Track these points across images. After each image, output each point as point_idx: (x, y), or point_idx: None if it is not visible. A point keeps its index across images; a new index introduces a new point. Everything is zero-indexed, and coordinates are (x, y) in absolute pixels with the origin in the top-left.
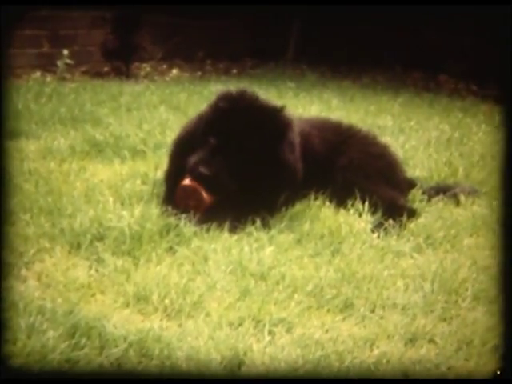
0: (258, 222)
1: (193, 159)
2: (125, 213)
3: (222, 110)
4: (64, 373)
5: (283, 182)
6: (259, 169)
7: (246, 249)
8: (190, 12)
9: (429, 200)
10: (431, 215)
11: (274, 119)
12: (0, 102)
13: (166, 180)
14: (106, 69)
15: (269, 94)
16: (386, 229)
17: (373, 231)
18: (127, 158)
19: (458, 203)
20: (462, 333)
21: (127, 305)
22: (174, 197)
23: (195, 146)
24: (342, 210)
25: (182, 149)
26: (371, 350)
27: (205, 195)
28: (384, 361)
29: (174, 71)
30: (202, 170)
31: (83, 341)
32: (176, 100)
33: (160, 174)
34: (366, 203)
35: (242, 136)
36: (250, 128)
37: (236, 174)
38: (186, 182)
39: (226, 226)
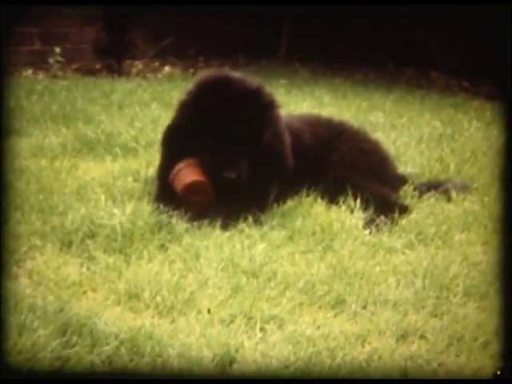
0: (250, 219)
1: (208, 164)
2: (116, 210)
3: (208, 107)
4: (55, 371)
5: (274, 171)
6: (254, 161)
7: (238, 246)
8: (182, 9)
9: (420, 196)
10: (423, 211)
11: (259, 109)
12: None
13: (158, 177)
14: (97, 66)
15: None
16: (377, 225)
17: (364, 227)
18: (119, 156)
19: (449, 199)
20: (453, 329)
21: (119, 302)
22: (166, 193)
23: (193, 148)
24: (333, 207)
25: (177, 150)
26: (363, 347)
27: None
28: (375, 357)
29: (167, 68)
30: (227, 174)
31: (74, 338)
32: (168, 97)
33: (152, 171)
34: (358, 200)
35: (237, 130)
36: (240, 121)
37: (248, 172)
38: (198, 178)
39: (218, 223)
